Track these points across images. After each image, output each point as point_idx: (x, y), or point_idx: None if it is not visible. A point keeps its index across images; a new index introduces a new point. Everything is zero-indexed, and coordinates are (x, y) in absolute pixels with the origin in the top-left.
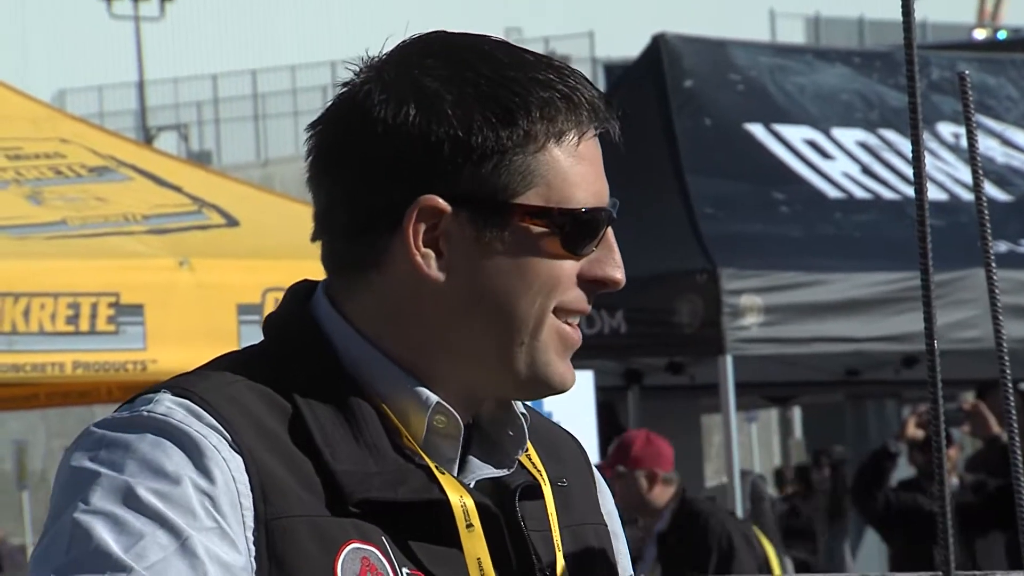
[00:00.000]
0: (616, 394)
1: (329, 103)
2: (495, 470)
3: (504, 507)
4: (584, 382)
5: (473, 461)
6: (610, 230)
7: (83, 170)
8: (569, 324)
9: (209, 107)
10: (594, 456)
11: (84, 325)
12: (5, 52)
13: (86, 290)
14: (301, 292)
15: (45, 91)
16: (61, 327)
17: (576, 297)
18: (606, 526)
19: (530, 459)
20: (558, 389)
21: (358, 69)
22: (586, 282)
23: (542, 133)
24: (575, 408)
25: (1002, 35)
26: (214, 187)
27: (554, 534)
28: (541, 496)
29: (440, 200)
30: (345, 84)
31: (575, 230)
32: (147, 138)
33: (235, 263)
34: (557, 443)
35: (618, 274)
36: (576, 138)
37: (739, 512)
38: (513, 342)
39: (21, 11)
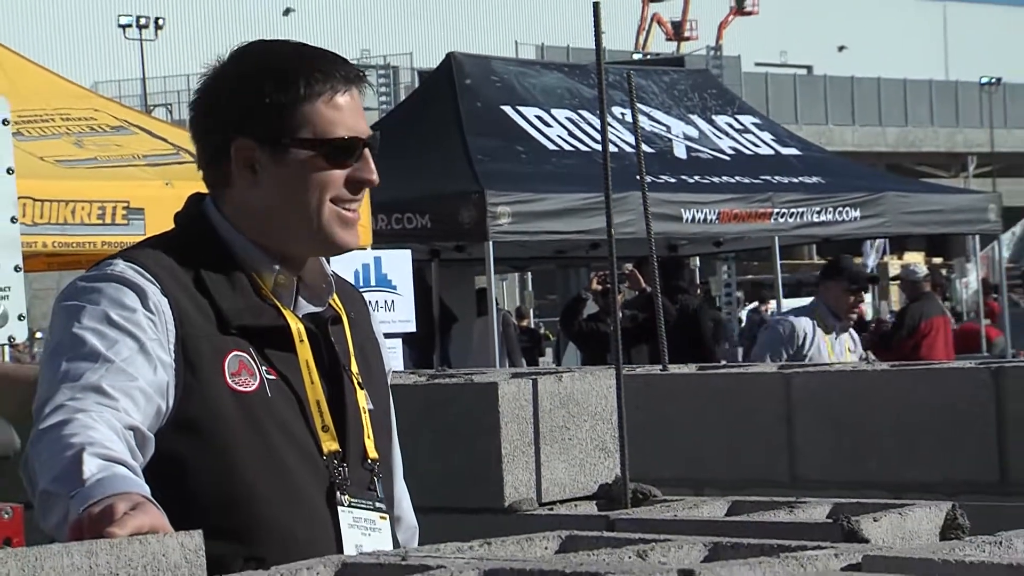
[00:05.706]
0: (424, 264)
1: (197, 87)
2: (315, 307)
3: (321, 330)
4: (404, 257)
5: (301, 301)
6: (367, 150)
7: (107, 128)
8: (346, 209)
9: (185, 93)
10: (409, 300)
11: (108, 219)
12: (65, 59)
13: (110, 198)
14: (196, 198)
15: (86, 81)
16: (94, 220)
17: (344, 192)
18: (377, 339)
19: (336, 301)
20: (344, 248)
21: (215, 65)
22: (353, 182)
23: (307, 94)
24: (401, 273)
25: (648, 56)
26: (187, 139)
27: (349, 345)
28: (342, 323)
29: (249, 140)
30: (205, 75)
31: (335, 151)
32: (147, 111)
33: (200, 184)
34: (349, 292)
35: (372, 176)
36: (331, 95)
37: (495, 335)
38: (309, 223)
39: (71, 37)
